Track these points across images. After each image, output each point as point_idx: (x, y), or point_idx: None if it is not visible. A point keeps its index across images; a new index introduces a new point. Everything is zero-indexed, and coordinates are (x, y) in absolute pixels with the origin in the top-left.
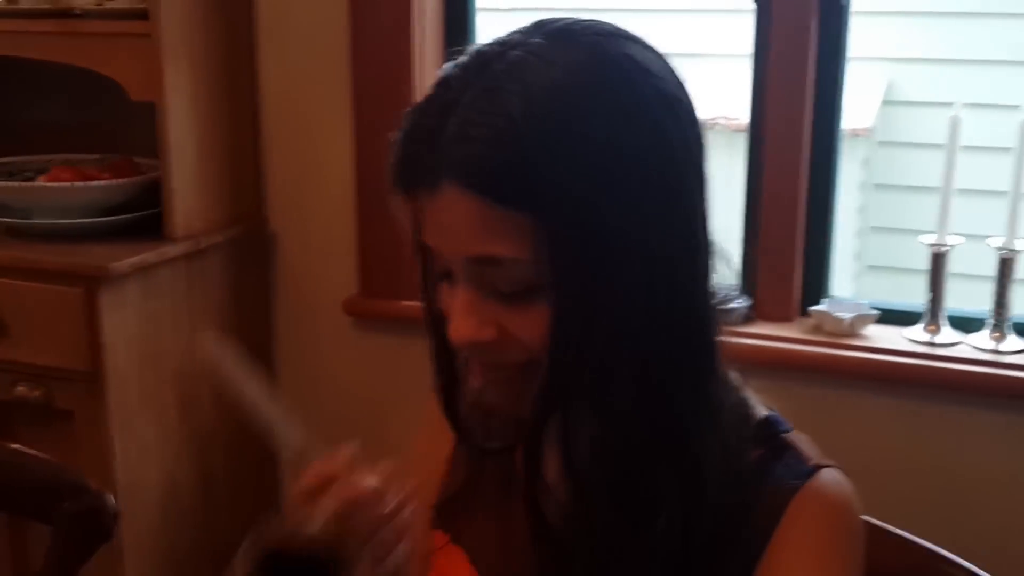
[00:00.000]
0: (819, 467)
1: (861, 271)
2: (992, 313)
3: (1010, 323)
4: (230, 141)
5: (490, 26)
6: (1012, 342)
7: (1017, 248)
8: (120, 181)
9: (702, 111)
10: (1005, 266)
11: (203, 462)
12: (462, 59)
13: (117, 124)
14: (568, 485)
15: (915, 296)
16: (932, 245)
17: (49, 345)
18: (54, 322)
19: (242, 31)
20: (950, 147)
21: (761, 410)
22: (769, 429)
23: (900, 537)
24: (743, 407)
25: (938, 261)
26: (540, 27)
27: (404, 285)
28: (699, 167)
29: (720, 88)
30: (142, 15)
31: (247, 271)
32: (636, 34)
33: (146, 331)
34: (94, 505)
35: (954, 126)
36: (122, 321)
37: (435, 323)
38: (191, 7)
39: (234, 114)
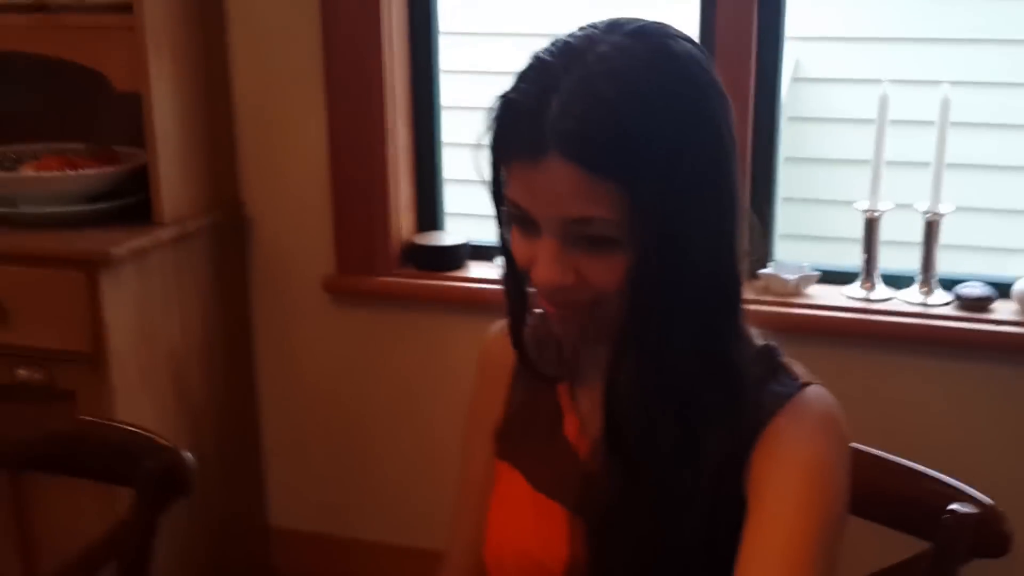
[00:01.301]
0: (806, 384)
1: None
2: (920, 271)
3: (936, 279)
4: (208, 129)
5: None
6: (939, 296)
7: (941, 212)
8: (109, 169)
9: None
10: (931, 228)
11: (195, 437)
12: (551, 49)
13: (88, 114)
14: (632, 411)
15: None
16: (865, 211)
17: (50, 328)
18: (55, 306)
19: (215, 22)
20: (880, 120)
21: (760, 340)
22: (768, 355)
23: (877, 456)
24: (751, 338)
25: (871, 225)
26: (618, 27)
27: (379, 261)
28: (735, 144)
29: None
30: (126, 9)
31: (228, 254)
32: (684, 32)
33: (141, 312)
34: (174, 461)
35: (883, 101)
36: (120, 303)
37: (509, 263)
38: (171, 1)
39: (211, 103)
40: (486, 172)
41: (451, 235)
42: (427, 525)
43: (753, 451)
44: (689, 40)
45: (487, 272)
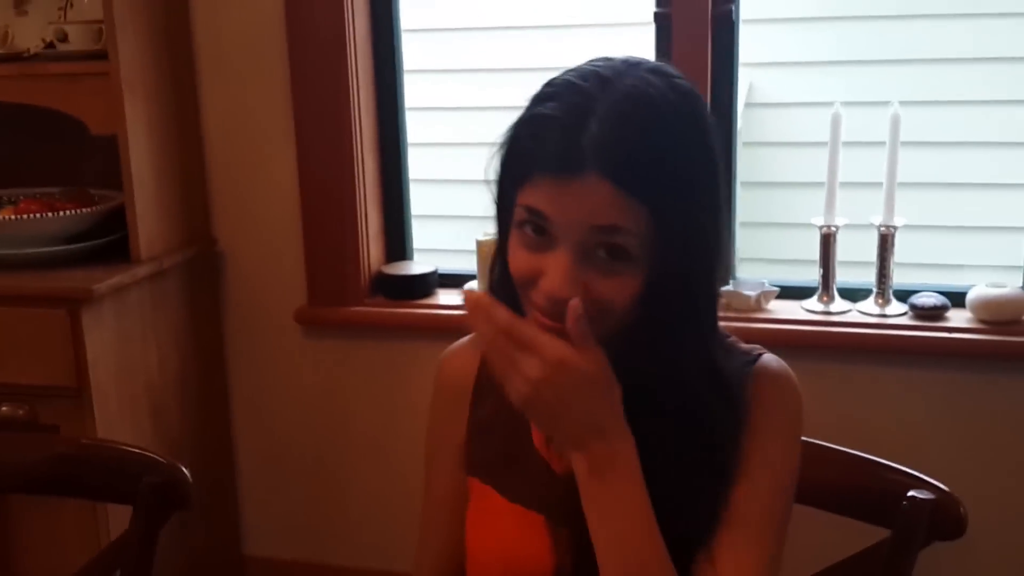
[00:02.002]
0: (759, 355)
1: (739, 263)
2: (876, 283)
3: (891, 291)
4: (181, 168)
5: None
6: (894, 307)
7: (895, 225)
8: (87, 210)
9: None
10: (885, 241)
11: None
12: (576, 74)
13: (65, 158)
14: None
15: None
16: (821, 227)
17: (34, 365)
18: (38, 344)
19: (185, 65)
20: (833, 141)
21: None
22: (720, 338)
23: (836, 450)
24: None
25: (827, 240)
26: (636, 64)
27: (349, 292)
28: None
29: None
30: (101, 56)
31: (202, 288)
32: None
33: (120, 348)
34: (174, 476)
35: (836, 122)
36: (101, 339)
37: (502, 274)
38: (143, 46)
39: (183, 143)
40: (496, 185)
41: (420, 264)
42: (400, 549)
43: (736, 430)
44: (685, 78)
45: (457, 299)
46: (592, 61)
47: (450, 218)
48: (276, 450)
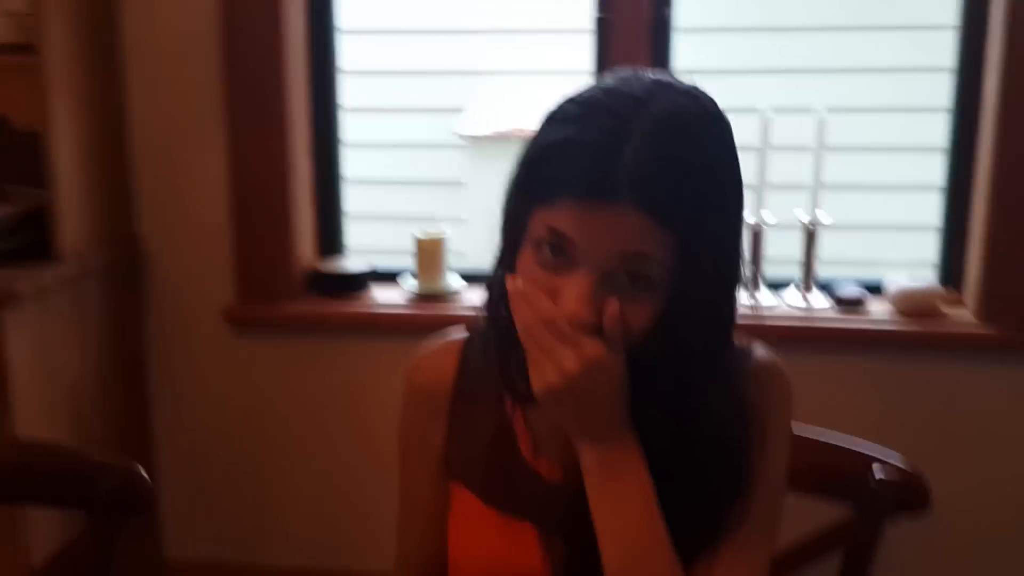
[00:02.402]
0: (749, 346)
1: None
2: (801, 276)
3: (816, 284)
4: (106, 166)
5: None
6: (817, 299)
7: (820, 221)
8: (6, 209)
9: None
10: (810, 236)
11: None
12: (604, 95)
13: None
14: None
15: None
16: (751, 225)
17: None
18: None
19: (112, 60)
20: (762, 144)
21: None
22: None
23: (802, 433)
24: None
25: (756, 237)
26: (668, 84)
27: (281, 289)
28: None
29: (513, 102)
30: (27, 50)
31: (126, 288)
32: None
33: (43, 349)
34: (132, 478)
35: (765, 126)
36: (22, 340)
37: (501, 290)
38: (71, 40)
39: (109, 140)
40: (513, 199)
41: (354, 260)
42: (330, 546)
43: (747, 445)
44: (717, 104)
45: (391, 296)
46: (619, 77)
47: (384, 219)
48: (202, 451)
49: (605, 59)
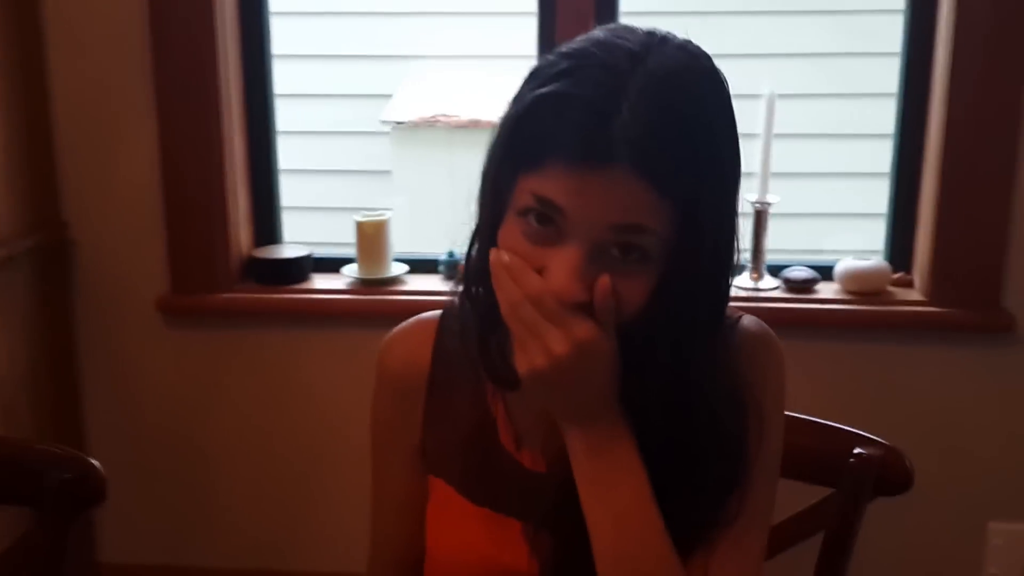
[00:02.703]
0: (739, 316)
1: None
2: (751, 258)
3: (765, 266)
4: (27, 148)
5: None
6: (768, 281)
7: (769, 201)
8: None
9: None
10: (759, 217)
11: None
12: (598, 47)
13: None
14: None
15: None
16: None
17: None
18: None
19: (32, 36)
20: None
21: None
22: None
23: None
24: None
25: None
26: (663, 38)
27: (218, 277)
28: None
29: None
30: None
31: (52, 277)
32: None
33: None
34: (84, 470)
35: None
36: None
37: (484, 254)
38: None
39: (29, 121)
40: (495, 164)
41: (292, 247)
42: (274, 548)
43: (743, 433)
44: (713, 61)
45: (332, 283)
46: (609, 29)
47: (315, 209)
48: (137, 448)
49: (549, 43)
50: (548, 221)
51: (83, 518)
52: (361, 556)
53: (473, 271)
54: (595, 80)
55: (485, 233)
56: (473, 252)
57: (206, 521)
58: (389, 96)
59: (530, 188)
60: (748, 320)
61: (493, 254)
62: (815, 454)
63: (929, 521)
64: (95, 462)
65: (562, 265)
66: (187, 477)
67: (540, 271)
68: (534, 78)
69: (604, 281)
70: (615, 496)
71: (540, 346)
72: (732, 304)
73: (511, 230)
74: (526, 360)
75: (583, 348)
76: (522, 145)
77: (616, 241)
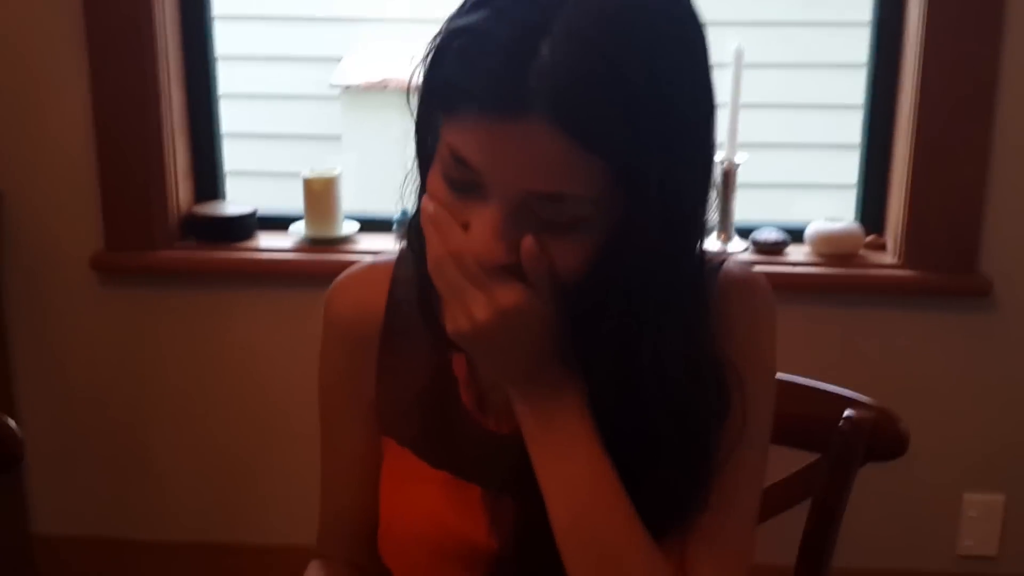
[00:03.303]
0: (721, 261)
1: None
2: (719, 219)
3: (733, 227)
4: None
5: None
6: (736, 243)
7: (736, 161)
8: None
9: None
10: (727, 176)
11: None
12: None
13: None
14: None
15: None
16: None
17: None
18: None
19: None
20: None
21: None
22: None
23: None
24: None
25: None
26: None
27: (155, 234)
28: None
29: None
30: None
31: None
32: None
33: None
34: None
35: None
36: None
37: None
38: None
39: None
40: (417, 105)
41: (235, 204)
42: (215, 519)
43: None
44: None
45: (278, 242)
46: None
47: (268, 175)
48: (69, 414)
49: None
50: (466, 177)
51: (6, 484)
52: (309, 527)
53: (412, 222)
54: (514, 13)
55: (421, 181)
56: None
57: (143, 491)
58: (338, 60)
59: (447, 138)
60: (732, 264)
61: (423, 202)
62: (800, 418)
63: (904, 493)
64: (10, 421)
65: (482, 226)
66: (123, 444)
67: (467, 227)
68: (458, 10)
69: (528, 243)
70: (566, 464)
71: (463, 309)
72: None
73: (437, 179)
74: (452, 322)
75: (506, 314)
76: (437, 88)
77: (539, 208)
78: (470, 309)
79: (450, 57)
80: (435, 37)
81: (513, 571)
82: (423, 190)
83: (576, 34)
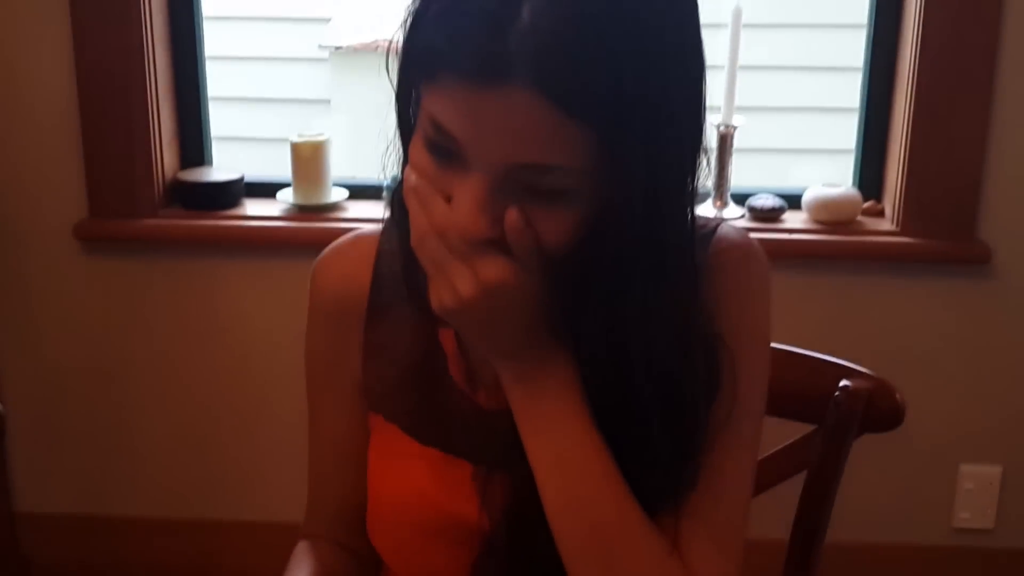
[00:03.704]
0: (715, 225)
1: None
2: (714, 185)
3: (729, 193)
4: None
5: None
6: (732, 210)
7: (734, 124)
8: None
9: None
10: (724, 140)
11: None
12: None
13: None
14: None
15: None
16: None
17: None
18: None
19: None
20: None
21: None
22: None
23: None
24: None
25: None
26: None
27: (141, 202)
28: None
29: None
30: None
31: None
32: None
33: None
34: None
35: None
36: None
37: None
38: None
39: None
40: (396, 72)
41: (222, 170)
42: (200, 496)
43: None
44: None
45: (266, 209)
46: None
47: (255, 140)
48: (52, 388)
49: None
50: (448, 146)
51: None
52: (296, 504)
53: (395, 194)
54: None
55: (403, 151)
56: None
57: (126, 466)
58: (327, 20)
59: (427, 107)
60: (726, 230)
61: (405, 174)
62: (795, 387)
63: (900, 465)
64: None
65: (465, 198)
66: (106, 418)
67: (450, 199)
68: None
69: (512, 216)
70: (555, 437)
71: (447, 284)
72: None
73: (419, 150)
74: (436, 296)
75: (490, 289)
76: (416, 54)
77: (522, 178)
78: (454, 284)
79: (429, 21)
80: (412, 2)
81: (503, 548)
82: (406, 161)
83: None
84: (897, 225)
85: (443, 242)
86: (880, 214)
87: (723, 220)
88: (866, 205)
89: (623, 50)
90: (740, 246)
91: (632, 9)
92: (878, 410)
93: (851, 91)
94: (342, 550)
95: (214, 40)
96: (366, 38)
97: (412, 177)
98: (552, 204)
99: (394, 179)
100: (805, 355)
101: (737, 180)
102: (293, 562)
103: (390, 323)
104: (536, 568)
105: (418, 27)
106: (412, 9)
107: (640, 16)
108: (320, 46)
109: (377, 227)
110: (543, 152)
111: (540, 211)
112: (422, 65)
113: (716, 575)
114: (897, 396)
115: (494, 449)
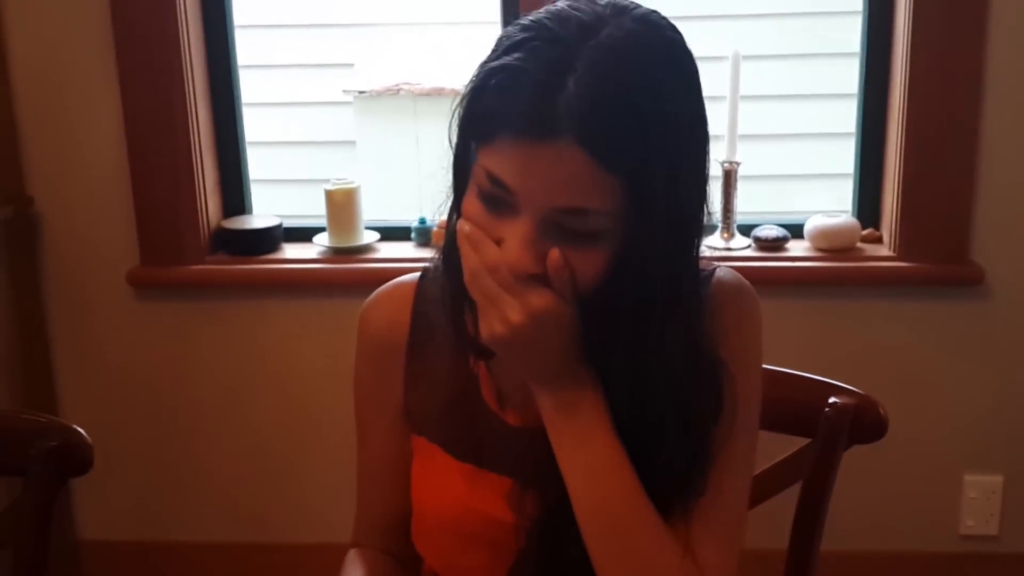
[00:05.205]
0: (712, 270)
1: None
2: (721, 218)
3: (735, 225)
4: None
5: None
6: (739, 240)
7: (737, 161)
8: None
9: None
10: (728, 177)
11: None
12: (552, 19)
13: None
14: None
15: None
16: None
17: None
18: None
19: None
20: None
21: None
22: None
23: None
24: None
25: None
26: (623, 9)
27: (187, 249)
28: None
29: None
30: None
31: (18, 252)
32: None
33: None
34: (71, 439)
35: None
36: None
37: (454, 236)
38: None
39: None
40: (456, 137)
41: (262, 217)
42: (251, 521)
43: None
44: (678, 32)
45: (304, 252)
46: (571, 2)
47: (288, 182)
48: (111, 423)
49: (512, 9)
50: (501, 196)
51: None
52: (344, 526)
53: (448, 240)
54: (544, 54)
55: (457, 203)
56: (450, 222)
57: (184, 495)
58: (351, 65)
59: (484, 163)
60: (723, 272)
61: (460, 225)
62: (790, 405)
63: (905, 475)
64: (80, 429)
65: (514, 239)
66: (163, 451)
67: (499, 242)
68: (493, 51)
69: (554, 254)
70: (586, 453)
71: (498, 314)
72: (705, 258)
73: (472, 201)
74: (487, 327)
75: (538, 317)
76: (476, 120)
77: (563, 222)
78: (505, 313)
79: (489, 91)
80: (471, 79)
81: (536, 552)
82: (459, 214)
83: (596, 69)
84: (894, 251)
85: (494, 278)
86: (879, 241)
87: (719, 264)
88: (865, 233)
89: (648, 115)
90: (736, 285)
91: (655, 84)
92: (863, 424)
93: (849, 117)
94: (386, 556)
95: (244, 87)
96: (388, 83)
97: (466, 226)
98: (586, 245)
99: (428, 218)
100: (798, 375)
101: (742, 206)
102: (346, 566)
103: (428, 356)
104: (566, 569)
105: (478, 98)
106: (471, 84)
107: (661, 88)
108: (344, 91)
109: (414, 275)
110: (582, 197)
111: (576, 252)
112: (481, 129)
113: (723, 573)
114: (880, 410)
115: (522, 462)
